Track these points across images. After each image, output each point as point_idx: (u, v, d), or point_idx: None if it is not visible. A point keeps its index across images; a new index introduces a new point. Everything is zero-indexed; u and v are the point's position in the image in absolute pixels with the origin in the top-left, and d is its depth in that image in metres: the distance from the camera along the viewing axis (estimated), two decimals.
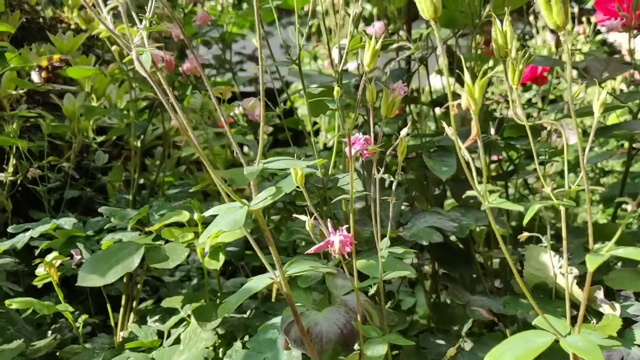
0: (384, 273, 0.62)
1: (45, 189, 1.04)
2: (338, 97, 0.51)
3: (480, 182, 0.44)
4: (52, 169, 1.16)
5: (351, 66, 1.45)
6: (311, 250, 0.55)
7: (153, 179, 1.16)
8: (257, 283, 0.55)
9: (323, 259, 0.73)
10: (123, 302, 0.97)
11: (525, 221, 0.47)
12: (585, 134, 1.53)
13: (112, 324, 0.97)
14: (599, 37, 2.01)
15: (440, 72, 1.10)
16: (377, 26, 1.25)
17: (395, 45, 0.81)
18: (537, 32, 1.74)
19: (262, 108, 0.48)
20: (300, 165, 0.49)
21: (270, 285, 1.26)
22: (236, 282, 1.15)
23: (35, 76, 1.07)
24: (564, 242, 0.45)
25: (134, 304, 0.98)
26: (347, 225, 0.54)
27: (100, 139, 1.17)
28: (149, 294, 1.23)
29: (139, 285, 0.97)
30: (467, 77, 0.37)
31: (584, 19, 1.72)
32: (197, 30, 1.08)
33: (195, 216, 0.77)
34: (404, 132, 0.61)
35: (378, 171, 0.60)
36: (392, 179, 0.61)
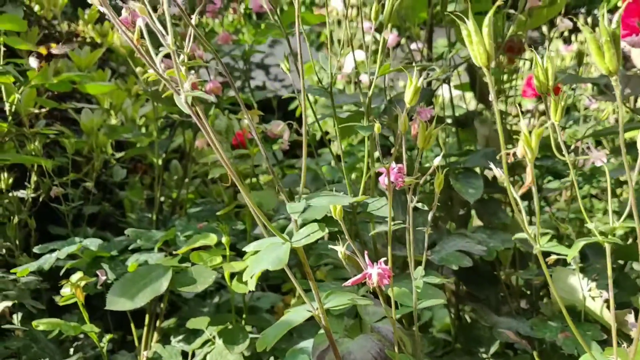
0: (419, 301, 0.62)
1: (69, 208, 1.04)
2: (379, 132, 0.51)
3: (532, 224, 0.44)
4: (72, 185, 1.16)
5: (364, 77, 1.44)
6: (349, 282, 0.55)
7: (175, 197, 1.16)
8: (295, 316, 0.55)
9: None
10: (146, 320, 0.97)
11: (569, 258, 0.47)
12: (600, 145, 1.54)
13: (136, 341, 0.97)
14: None
15: (462, 87, 1.10)
16: (390, 38, 1.24)
17: (419, 67, 0.81)
18: (550, 41, 1.73)
19: (305, 151, 0.48)
20: (344, 202, 0.49)
21: (288, 299, 1.26)
22: (253, 298, 1.16)
23: (32, 62, 1.05)
24: (610, 281, 0.45)
25: (158, 322, 0.98)
26: (385, 258, 0.54)
27: (118, 155, 1.17)
28: (167, 310, 1.23)
29: (162, 305, 0.97)
30: (523, 126, 0.37)
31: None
32: (216, 48, 1.08)
33: (223, 239, 0.77)
34: (437, 160, 0.61)
35: (411, 200, 0.60)
36: (426, 207, 0.61)
